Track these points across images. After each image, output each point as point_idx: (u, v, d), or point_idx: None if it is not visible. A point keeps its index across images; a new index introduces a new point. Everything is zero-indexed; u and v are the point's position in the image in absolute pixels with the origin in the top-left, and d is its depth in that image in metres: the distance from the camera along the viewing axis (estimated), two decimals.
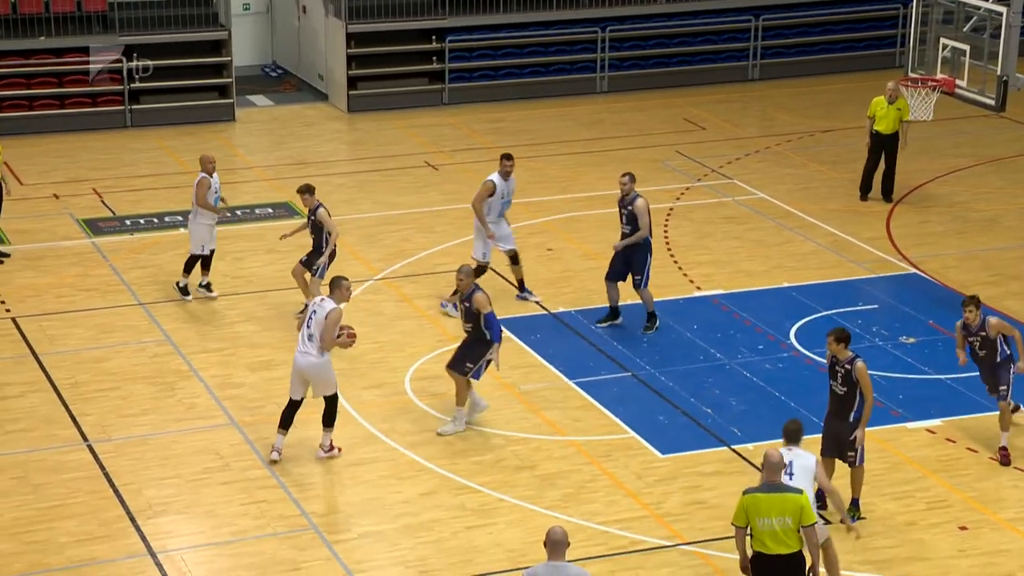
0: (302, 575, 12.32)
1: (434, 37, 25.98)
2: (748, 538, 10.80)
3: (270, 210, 20.91)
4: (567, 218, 18.90)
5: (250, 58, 27.75)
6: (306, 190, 16.87)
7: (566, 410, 15.07)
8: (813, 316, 17.24)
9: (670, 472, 13.89)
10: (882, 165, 20.85)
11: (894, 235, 19.81)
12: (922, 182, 21.43)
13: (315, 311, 13.71)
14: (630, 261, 16.70)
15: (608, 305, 17.00)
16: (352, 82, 25.60)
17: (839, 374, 13.08)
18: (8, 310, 17.36)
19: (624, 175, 16.83)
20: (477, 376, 14.55)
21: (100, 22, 24.48)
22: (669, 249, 19.38)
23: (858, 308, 17.49)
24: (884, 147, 20.61)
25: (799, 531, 10.61)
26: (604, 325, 16.88)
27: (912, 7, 19.03)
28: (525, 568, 10.02)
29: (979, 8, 17.85)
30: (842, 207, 20.83)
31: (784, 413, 14.87)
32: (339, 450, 14.15)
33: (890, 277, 18.47)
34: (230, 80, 25.07)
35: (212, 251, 17.65)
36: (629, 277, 16.79)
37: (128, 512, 13.16)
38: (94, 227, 20.13)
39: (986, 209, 20.48)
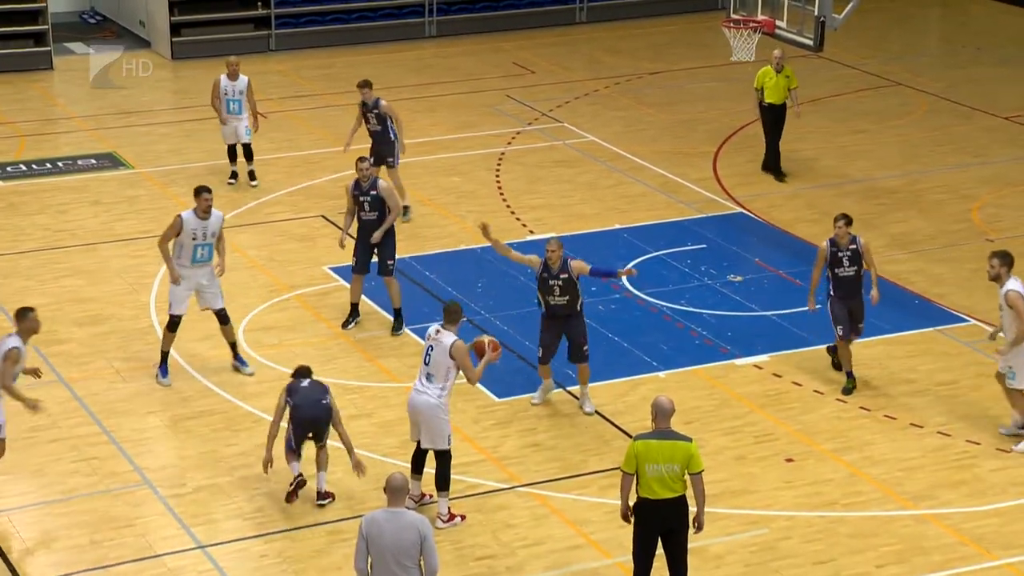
0: (137, 531, 12.14)
1: None
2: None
3: (93, 161, 20.39)
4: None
5: (66, 4, 26.92)
6: (365, 84, 17.93)
7: (401, 357, 15.07)
8: (644, 257, 17.49)
9: (506, 416, 14.01)
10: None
11: (720, 175, 20.18)
12: (746, 123, 21.84)
13: (432, 346, 12.13)
14: (380, 247, 15.34)
15: (352, 302, 15.61)
16: (175, 28, 25.02)
17: (845, 257, 14.17)
18: None
19: (361, 159, 15.30)
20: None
21: None
22: (502, 193, 19.45)
23: (687, 248, 17.80)
24: (776, 118, 19.59)
25: (684, 478, 10.71)
26: (352, 327, 15.52)
27: None
28: (363, 515, 10.01)
29: None
30: (670, 149, 21.12)
31: (617, 353, 15.13)
32: (462, 517, 12.30)
33: (718, 217, 18.82)
34: (46, 27, 24.30)
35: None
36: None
37: None
38: None
39: (806, 149, 20.97)
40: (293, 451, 12.42)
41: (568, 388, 14.38)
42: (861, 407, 14.19)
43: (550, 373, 14.11)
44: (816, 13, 17.80)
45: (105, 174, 19.89)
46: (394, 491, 9.91)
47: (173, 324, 14.40)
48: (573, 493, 12.78)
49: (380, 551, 9.76)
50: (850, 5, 18.08)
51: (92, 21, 27.04)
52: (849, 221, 14.35)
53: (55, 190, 19.24)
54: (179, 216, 14.22)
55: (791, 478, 13.03)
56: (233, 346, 14.64)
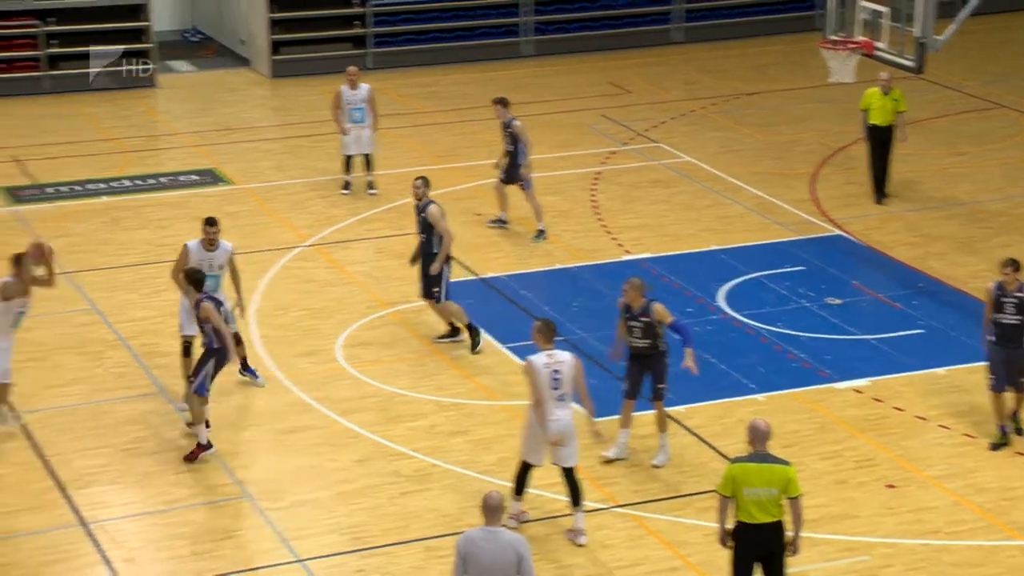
0: (236, 543, 12.27)
1: (357, 1, 25.78)
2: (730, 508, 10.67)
3: (194, 177, 20.69)
4: (495, 182, 18.87)
5: (170, 23, 27.38)
6: (500, 102, 18.13)
7: (498, 375, 15.10)
8: (741, 278, 17.38)
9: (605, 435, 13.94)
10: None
11: (819, 197, 20.01)
12: (844, 144, 21.64)
13: (557, 370, 12.01)
14: (424, 271, 15.32)
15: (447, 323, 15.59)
16: (275, 47, 25.35)
17: (1009, 304, 13.33)
18: None
19: (417, 179, 15.50)
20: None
21: None
22: (597, 213, 19.44)
23: (785, 270, 17.66)
24: (882, 141, 19.23)
25: (782, 502, 10.62)
26: (446, 341, 15.55)
27: None
28: (461, 533, 10.03)
29: None
30: (767, 170, 20.99)
31: (714, 375, 15.04)
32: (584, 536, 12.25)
33: (816, 239, 18.66)
34: (150, 45, 24.73)
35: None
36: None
37: (58, 483, 13.02)
38: (14, 195, 19.81)
39: (907, 171, 20.73)
40: None
41: (668, 409, 14.31)
42: (965, 434, 13.97)
43: (630, 422, 13.55)
44: (917, 34, 17.62)
45: (206, 190, 20.17)
46: (491, 510, 9.89)
47: (187, 349, 14.25)
48: (670, 514, 12.71)
49: (478, 571, 9.75)
50: (951, 27, 17.87)
51: (194, 40, 27.48)
52: (1017, 267, 13.37)
53: (157, 205, 19.55)
54: (185, 245, 14.14)
55: (893, 504, 12.86)
56: (243, 360, 14.61)
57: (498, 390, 14.79)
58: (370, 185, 19.75)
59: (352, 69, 19.89)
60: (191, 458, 13.35)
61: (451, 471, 13.32)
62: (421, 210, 15.34)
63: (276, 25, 25.33)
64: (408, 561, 12.06)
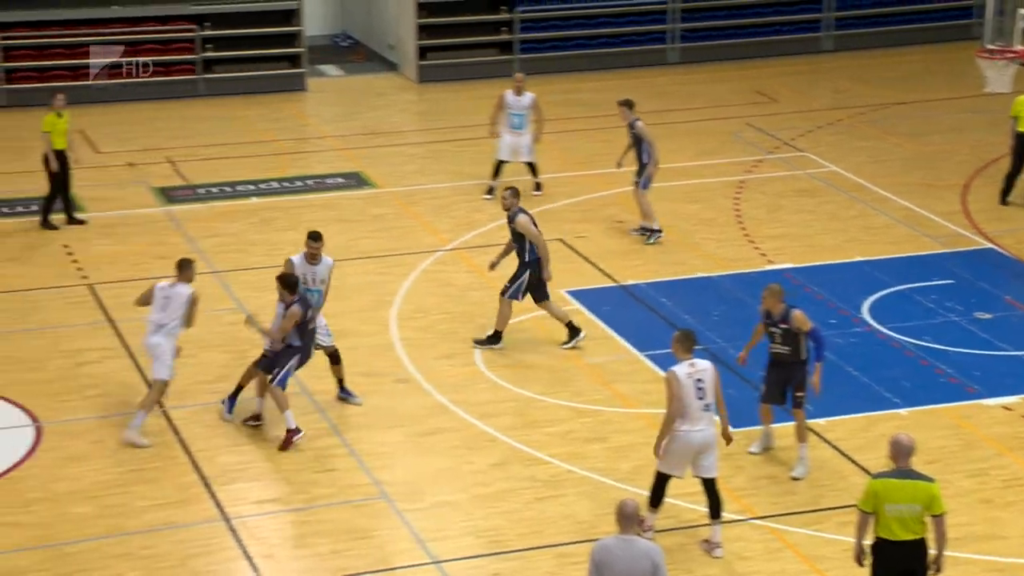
0: (374, 543, 12.42)
1: (504, 7, 25.94)
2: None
3: (341, 180, 21.01)
4: (632, 190, 18.82)
5: (321, 28, 27.86)
6: (624, 103, 18.19)
7: (634, 383, 15.05)
8: (886, 291, 17.08)
9: (740, 446, 13.83)
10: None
11: (970, 209, 19.57)
12: (997, 156, 21.13)
13: (700, 379, 11.92)
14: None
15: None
16: (422, 52, 25.62)
17: None
18: (85, 277, 17.59)
19: (506, 189, 15.62)
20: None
21: None
22: (740, 222, 19.27)
23: (933, 283, 17.31)
24: None
25: (925, 520, 10.43)
26: (569, 345, 15.60)
27: None
28: (595, 540, 10.01)
29: None
30: (917, 180, 20.60)
31: (857, 388, 14.80)
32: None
33: (966, 252, 18.26)
34: (302, 50, 25.18)
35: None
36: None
37: (203, 478, 13.32)
38: (168, 195, 20.33)
39: None
40: None
41: (809, 421, 14.11)
42: None
43: (770, 418, 13.60)
44: None
45: (352, 193, 20.47)
46: (626, 518, 9.85)
47: (334, 358, 14.52)
48: (809, 528, 12.54)
49: None
50: None
51: (344, 44, 27.91)
52: None
53: (305, 207, 19.89)
54: (290, 259, 14.29)
55: None
56: (340, 381, 14.65)
57: (635, 398, 14.74)
58: (537, 187, 19.98)
59: (519, 76, 20.14)
60: (285, 445, 13.66)
61: (587, 478, 13.32)
62: (511, 220, 15.47)
63: (424, 31, 25.60)
64: (542, 567, 12.08)
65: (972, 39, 25.59)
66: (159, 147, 22.19)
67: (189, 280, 14.00)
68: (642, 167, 18.28)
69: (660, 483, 12.24)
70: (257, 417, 14.13)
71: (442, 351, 15.69)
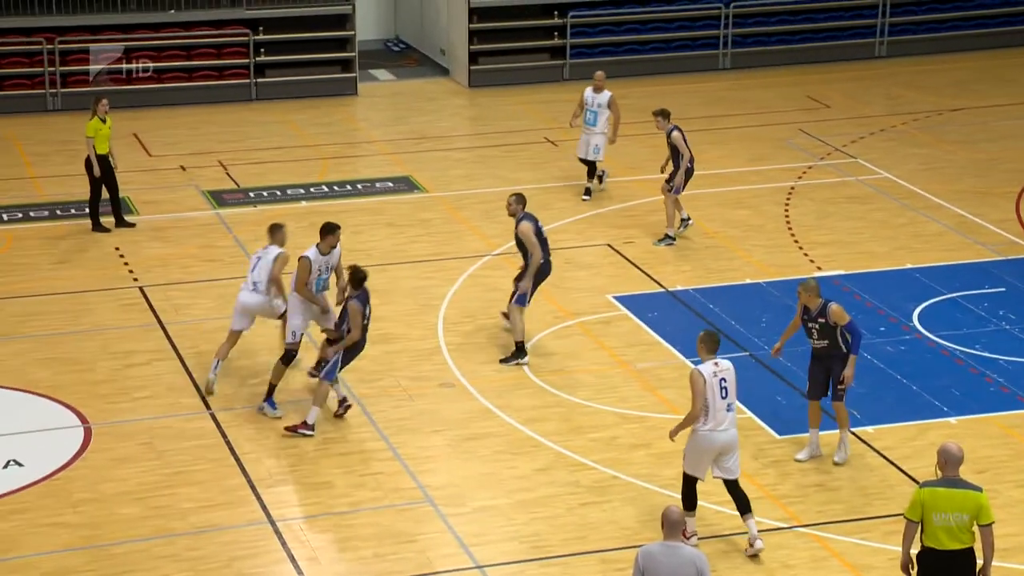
0: (418, 547, 12.44)
1: (556, 12, 25.94)
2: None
3: (390, 184, 21.07)
4: (686, 196, 18.77)
5: (373, 32, 27.96)
6: (660, 113, 18.39)
7: (681, 389, 14.96)
8: (937, 299, 16.93)
9: (787, 453, 13.76)
10: None
11: None
12: None
13: (724, 378, 12.04)
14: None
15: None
16: (473, 57, 25.66)
17: None
18: (136, 279, 17.74)
19: (512, 195, 15.53)
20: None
21: None
22: (790, 228, 19.16)
23: (985, 291, 17.14)
24: None
25: (972, 529, 10.34)
26: (509, 363, 15.39)
27: None
28: (639, 546, 9.98)
29: None
30: (970, 188, 20.40)
31: (906, 396, 14.67)
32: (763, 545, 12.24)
33: (1020, 260, 18.06)
34: (353, 55, 25.29)
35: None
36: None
37: (249, 480, 13.39)
38: (219, 199, 20.46)
39: None
40: None
41: (854, 429, 14.02)
42: None
43: (819, 419, 13.56)
44: None
45: (400, 197, 20.52)
46: (672, 524, 9.84)
47: (289, 357, 14.54)
48: (855, 537, 12.45)
49: None
50: None
51: (396, 49, 28.01)
52: None
53: (353, 211, 19.97)
54: (306, 258, 14.40)
55: None
56: (273, 387, 14.53)
57: (681, 404, 14.66)
58: (599, 179, 20.15)
59: (599, 74, 20.22)
60: (291, 429, 13.98)
61: (631, 484, 13.29)
62: (515, 225, 15.47)
63: (475, 36, 25.64)
64: (585, 572, 12.06)
65: None
66: (210, 151, 22.35)
67: (280, 243, 14.71)
68: (675, 172, 18.30)
69: (689, 485, 12.26)
70: (343, 401, 14.36)
71: (488, 356, 15.70)
